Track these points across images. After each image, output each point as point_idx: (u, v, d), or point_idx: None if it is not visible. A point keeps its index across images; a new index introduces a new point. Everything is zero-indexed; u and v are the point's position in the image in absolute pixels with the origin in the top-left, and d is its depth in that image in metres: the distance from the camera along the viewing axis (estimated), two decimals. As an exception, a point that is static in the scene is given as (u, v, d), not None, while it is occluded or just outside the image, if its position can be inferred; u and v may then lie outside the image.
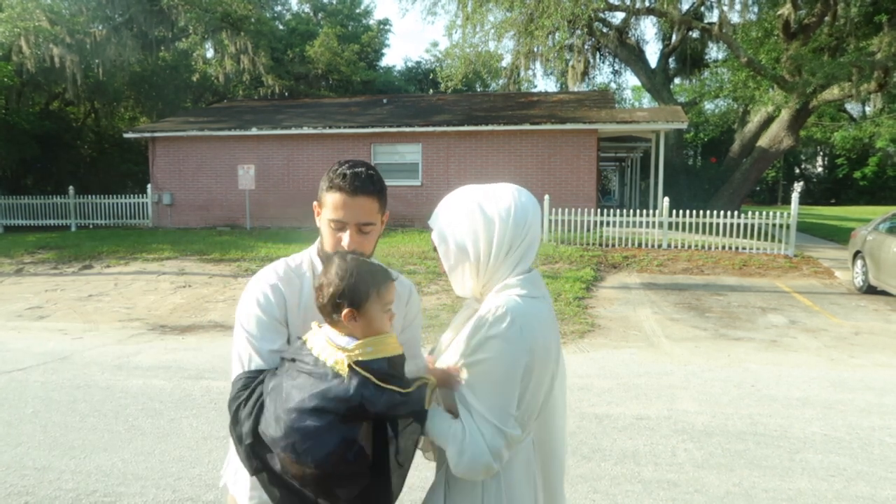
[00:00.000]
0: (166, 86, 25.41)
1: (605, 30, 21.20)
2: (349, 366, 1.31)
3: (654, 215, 12.84)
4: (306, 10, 34.03)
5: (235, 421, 1.41)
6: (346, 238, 1.52)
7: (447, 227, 1.41)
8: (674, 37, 22.67)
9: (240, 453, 1.41)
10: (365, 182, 1.52)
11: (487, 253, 1.37)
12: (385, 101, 21.17)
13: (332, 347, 1.35)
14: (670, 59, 24.07)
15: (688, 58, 23.68)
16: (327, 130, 16.65)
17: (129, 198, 17.82)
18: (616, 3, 17.74)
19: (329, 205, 1.53)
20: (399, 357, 1.38)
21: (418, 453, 1.63)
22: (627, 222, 12.86)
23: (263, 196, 16.81)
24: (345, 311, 1.36)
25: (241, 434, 1.39)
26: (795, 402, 4.88)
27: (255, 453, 1.37)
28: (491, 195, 1.40)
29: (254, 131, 17.01)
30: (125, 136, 19.08)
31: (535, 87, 36.76)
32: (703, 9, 20.93)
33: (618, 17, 21.10)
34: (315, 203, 1.63)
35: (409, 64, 39.02)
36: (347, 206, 1.51)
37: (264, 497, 1.44)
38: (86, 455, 3.90)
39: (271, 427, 1.32)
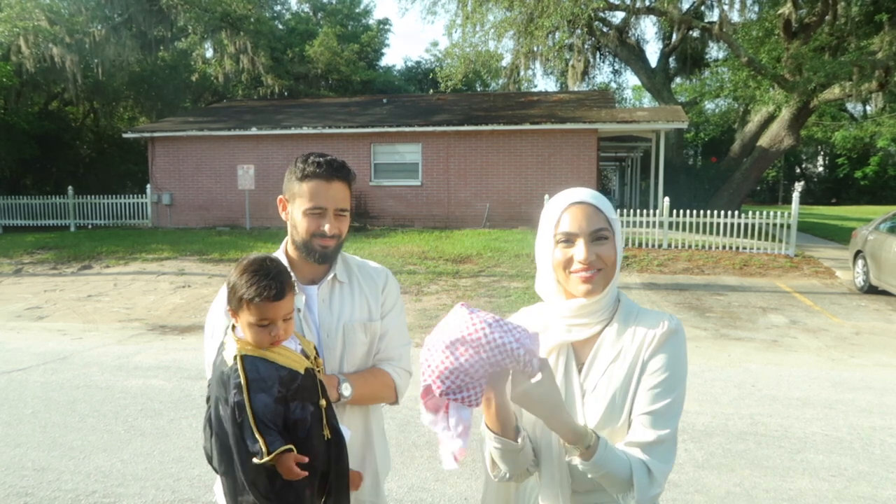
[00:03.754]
0: (165, 86, 25.41)
1: (605, 29, 21.18)
2: (235, 356, 1.35)
3: (654, 215, 12.83)
4: (306, 9, 34.01)
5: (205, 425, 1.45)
6: (326, 224, 1.55)
7: (617, 222, 1.33)
8: (674, 36, 22.65)
9: (206, 449, 1.45)
10: (339, 169, 1.58)
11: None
12: (385, 100, 21.17)
13: (233, 338, 1.39)
14: (670, 59, 24.05)
15: (688, 57, 23.66)
16: (327, 130, 16.64)
17: (129, 198, 17.81)
18: (616, 2, 17.72)
19: (306, 194, 1.56)
20: (290, 373, 1.36)
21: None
22: (627, 222, 12.84)
23: (263, 196, 16.79)
24: (228, 307, 1.41)
25: (206, 439, 1.43)
26: (796, 402, 4.87)
27: (220, 454, 1.39)
28: None
29: (253, 131, 17.00)
30: (124, 136, 19.09)
31: (535, 86, 36.72)
32: (703, 8, 20.92)
33: (618, 17, 21.10)
34: (281, 197, 1.65)
35: (409, 64, 39.05)
36: (326, 191, 1.55)
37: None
38: (85, 456, 3.89)
39: (222, 422, 1.36)
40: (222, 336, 1.48)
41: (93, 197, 17.77)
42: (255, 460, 1.29)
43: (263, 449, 1.28)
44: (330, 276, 1.65)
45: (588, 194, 1.31)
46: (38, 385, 5.29)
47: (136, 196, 17.92)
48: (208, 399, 1.44)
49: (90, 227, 17.68)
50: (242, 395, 1.31)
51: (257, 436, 1.29)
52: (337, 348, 1.62)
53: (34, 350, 6.47)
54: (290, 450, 1.31)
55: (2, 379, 5.47)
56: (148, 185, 17.79)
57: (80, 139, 25.58)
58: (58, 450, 3.97)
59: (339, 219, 1.58)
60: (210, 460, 1.42)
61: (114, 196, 17.93)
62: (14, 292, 9.84)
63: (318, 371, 1.45)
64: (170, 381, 5.42)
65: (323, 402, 1.42)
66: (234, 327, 1.42)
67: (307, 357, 1.43)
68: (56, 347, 6.59)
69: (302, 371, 1.38)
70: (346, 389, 1.57)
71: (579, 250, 1.26)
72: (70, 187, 17.78)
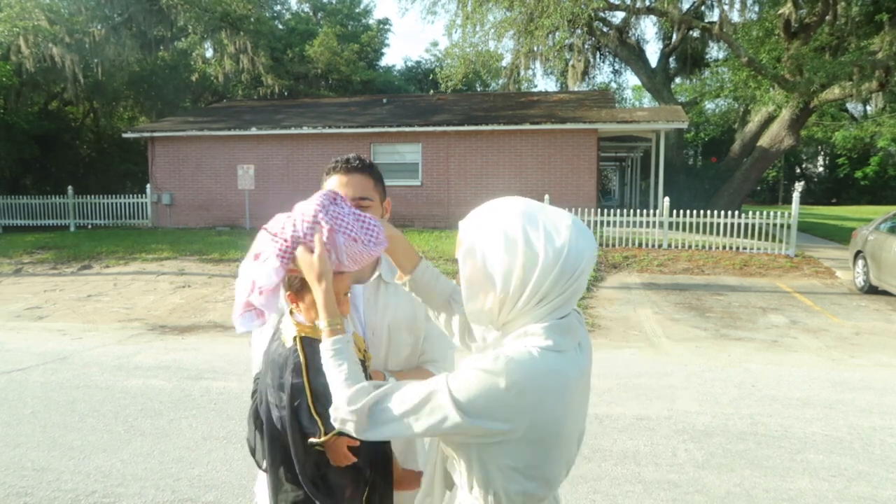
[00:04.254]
0: (165, 85, 25.40)
1: (605, 29, 21.18)
2: (294, 338, 1.36)
3: (654, 215, 12.83)
4: (306, 9, 34.01)
5: (251, 411, 1.47)
6: None
7: (479, 244, 1.16)
8: (674, 36, 22.65)
9: (253, 445, 1.46)
10: (356, 161, 1.62)
11: (517, 294, 1.13)
12: (385, 100, 21.16)
13: (291, 322, 1.40)
14: (671, 59, 24.05)
15: (688, 57, 23.65)
16: (327, 130, 16.64)
17: (129, 198, 17.80)
18: (616, 2, 17.72)
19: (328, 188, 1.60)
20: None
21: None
22: (627, 222, 12.84)
23: (263, 196, 16.79)
24: (287, 292, 1.41)
25: (250, 432, 1.45)
26: (796, 402, 4.86)
27: (269, 447, 1.40)
28: (544, 226, 1.14)
29: (253, 131, 17.00)
30: (124, 135, 19.08)
31: (535, 86, 36.72)
32: (703, 8, 20.92)
33: (618, 17, 21.11)
34: None
35: (409, 64, 39.03)
36: (344, 183, 1.59)
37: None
38: (85, 456, 3.89)
39: (271, 411, 1.36)
40: (271, 327, 1.51)
41: (93, 197, 17.76)
42: (311, 440, 1.30)
43: (321, 428, 1.29)
44: (375, 276, 1.68)
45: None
46: (37, 385, 5.29)
47: (136, 196, 17.91)
48: (254, 393, 1.47)
49: (90, 227, 17.67)
50: (301, 376, 1.32)
51: (315, 416, 1.30)
52: (382, 347, 1.64)
53: (34, 350, 6.47)
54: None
55: (2, 379, 5.47)
56: (148, 185, 17.78)
57: (80, 139, 25.58)
58: (57, 450, 3.97)
59: (360, 209, 1.56)
60: (253, 453, 1.44)
61: (114, 196, 17.92)
62: (14, 292, 9.84)
63: (367, 365, 1.47)
64: (170, 381, 5.42)
65: None
66: (291, 312, 1.43)
67: (358, 349, 1.44)
68: (56, 347, 6.59)
69: (360, 354, 1.40)
70: None
71: None
72: (70, 187, 17.77)
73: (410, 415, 1.14)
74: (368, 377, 1.42)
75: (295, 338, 1.36)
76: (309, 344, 1.35)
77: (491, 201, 1.24)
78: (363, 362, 1.42)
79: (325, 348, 1.25)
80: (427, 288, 1.45)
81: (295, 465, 1.33)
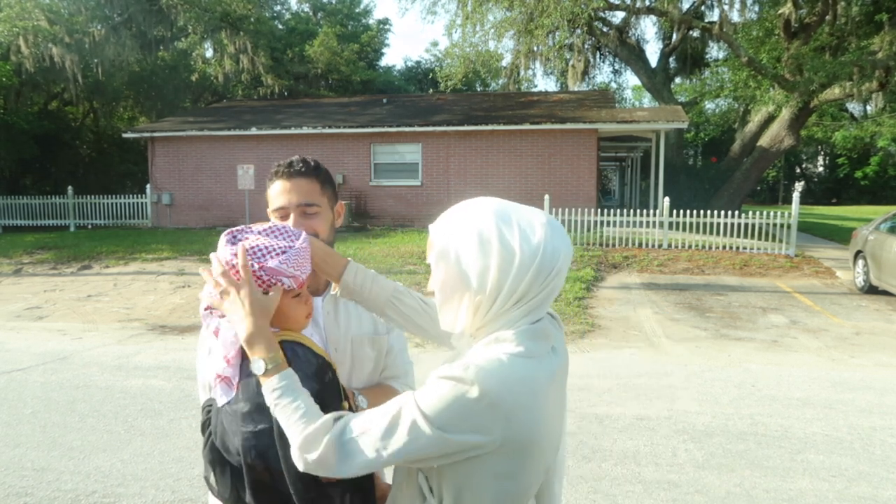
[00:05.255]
0: (165, 85, 25.43)
1: (605, 29, 21.18)
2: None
3: (654, 215, 12.82)
4: (306, 9, 34.03)
5: (205, 447, 1.33)
6: (289, 224, 1.45)
7: (452, 246, 1.12)
8: (674, 36, 22.65)
9: (212, 483, 1.31)
10: (302, 167, 1.49)
11: (494, 295, 1.09)
12: (385, 100, 21.17)
13: None
14: (671, 59, 24.05)
15: (688, 57, 23.66)
16: (327, 130, 16.64)
17: (129, 198, 17.81)
18: (616, 2, 17.71)
19: (271, 197, 1.51)
20: (324, 362, 1.28)
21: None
22: (627, 222, 12.84)
23: (263, 196, 16.60)
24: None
25: (207, 469, 1.31)
26: (796, 402, 4.86)
27: (231, 477, 1.27)
28: (518, 224, 1.10)
29: (253, 131, 17.00)
30: (124, 135, 19.09)
31: (535, 86, 36.75)
32: (703, 8, 20.92)
33: (618, 17, 21.11)
34: (268, 210, 1.57)
35: (409, 64, 39.06)
36: (287, 189, 1.48)
37: None
38: (85, 456, 3.89)
39: (240, 444, 1.22)
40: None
41: (93, 197, 17.77)
42: None
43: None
44: (333, 289, 1.57)
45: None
46: (37, 385, 5.29)
47: (136, 196, 17.92)
48: (205, 425, 1.33)
49: (90, 227, 17.68)
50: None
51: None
52: (346, 363, 1.55)
53: (34, 350, 6.47)
54: None
55: (2, 379, 5.47)
56: (148, 185, 17.79)
57: (80, 139, 25.59)
58: (57, 450, 3.97)
59: (307, 216, 1.48)
60: (213, 491, 1.31)
61: (114, 196, 17.93)
62: (14, 292, 9.84)
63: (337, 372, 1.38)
64: (170, 381, 5.42)
65: (346, 405, 1.33)
66: None
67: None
68: (56, 347, 6.59)
69: (332, 364, 1.32)
70: (363, 402, 1.50)
71: None
72: (70, 187, 17.78)
73: (380, 440, 1.07)
74: (341, 387, 1.34)
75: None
76: (289, 348, 1.24)
77: (461, 202, 1.19)
78: (334, 371, 1.34)
79: (270, 389, 1.14)
80: (361, 291, 1.39)
81: (289, 488, 1.20)
